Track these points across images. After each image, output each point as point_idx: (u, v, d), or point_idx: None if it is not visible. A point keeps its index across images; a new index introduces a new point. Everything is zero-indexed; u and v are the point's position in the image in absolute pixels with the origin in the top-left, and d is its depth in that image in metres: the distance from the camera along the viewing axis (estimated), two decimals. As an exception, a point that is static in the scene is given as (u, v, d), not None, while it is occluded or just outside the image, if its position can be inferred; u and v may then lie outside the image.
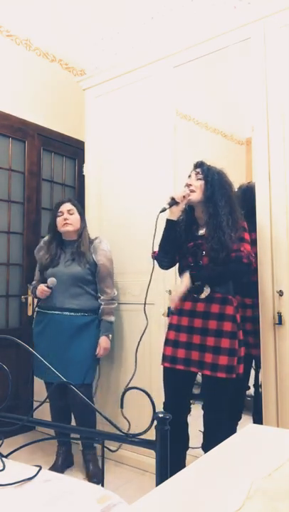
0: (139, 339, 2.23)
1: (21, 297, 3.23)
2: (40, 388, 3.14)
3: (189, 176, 2.08)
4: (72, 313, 2.47)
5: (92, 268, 2.53)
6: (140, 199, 2.70)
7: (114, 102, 2.90)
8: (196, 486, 0.90)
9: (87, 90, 3.04)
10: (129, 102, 2.82)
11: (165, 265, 2.14)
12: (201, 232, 2.06)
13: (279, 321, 2.05)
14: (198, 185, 2.01)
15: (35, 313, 2.62)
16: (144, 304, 2.19)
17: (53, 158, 3.54)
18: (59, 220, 2.55)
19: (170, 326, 2.07)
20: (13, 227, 3.21)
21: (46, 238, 2.65)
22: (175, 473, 0.98)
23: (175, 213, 2.03)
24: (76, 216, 2.57)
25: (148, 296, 2.61)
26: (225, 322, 1.92)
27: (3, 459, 1.43)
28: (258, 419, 2.26)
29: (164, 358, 2.03)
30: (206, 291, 1.95)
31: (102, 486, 1.50)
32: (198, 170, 2.04)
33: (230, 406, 2.03)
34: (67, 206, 2.57)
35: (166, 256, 2.10)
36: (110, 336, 2.56)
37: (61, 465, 2.49)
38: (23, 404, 3.06)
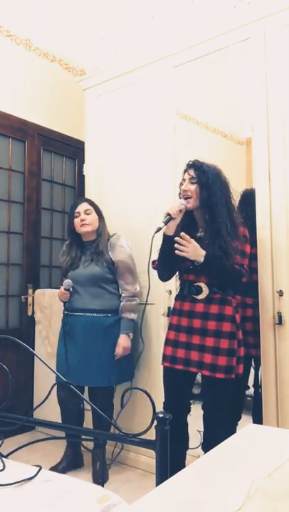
0: (138, 356, 2.27)
1: (21, 297, 3.24)
2: (40, 388, 3.15)
3: (184, 179, 2.04)
4: (95, 314, 2.42)
5: (111, 266, 2.47)
6: (140, 199, 2.70)
7: (114, 102, 2.90)
8: (196, 486, 0.90)
9: (87, 90, 3.04)
10: (129, 102, 2.82)
11: (165, 278, 2.12)
12: (201, 234, 2.03)
13: (279, 321, 2.05)
14: (193, 189, 1.98)
15: (62, 315, 2.55)
16: (140, 328, 2.21)
17: (53, 158, 3.54)
18: (76, 222, 2.49)
19: (170, 326, 2.06)
20: (13, 227, 3.21)
21: (67, 242, 2.61)
22: (175, 473, 0.98)
23: (172, 228, 1.99)
24: (94, 216, 2.50)
25: (148, 297, 2.62)
26: (224, 322, 1.91)
27: (3, 459, 1.43)
28: (257, 419, 2.26)
29: (164, 358, 2.03)
30: (205, 292, 1.95)
31: (102, 486, 1.49)
32: (191, 172, 1.99)
33: (230, 406, 2.03)
34: (84, 206, 2.51)
35: (165, 269, 2.09)
36: (131, 334, 2.45)
37: (63, 467, 2.44)
38: (23, 404, 3.07)
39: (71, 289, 2.41)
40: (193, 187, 1.98)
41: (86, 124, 3.06)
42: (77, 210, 2.50)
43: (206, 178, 1.95)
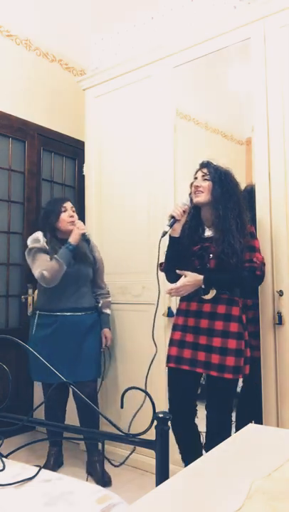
0: (150, 364, 2.29)
1: (21, 297, 3.23)
2: (40, 388, 3.14)
3: (195, 178, 2.05)
4: (83, 313, 2.50)
5: (94, 265, 2.59)
6: (140, 199, 2.70)
7: (114, 102, 2.90)
8: (196, 485, 0.90)
9: (87, 90, 3.04)
10: (129, 102, 2.82)
11: (172, 279, 2.10)
12: (208, 234, 2.04)
13: (279, 321, 2.05)
14: (206, 185, 1.99)
15: (34, 316, 2.51)
16: (152, 332, 2.22)
17: (53, 158, 3.54)
18: (63, 216, 2.45)
19: (175, 327, 2.05)
20: (13, 227, 3.21)
21: (44, 234, 2.45)
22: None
23: (177, 230, 2.03)
24: (76, 215, 2.54)
25: (147, 297, 2.62)
26: (231, 323, 1.91)
27: (3, 459, 1.43)
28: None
29: (169, 359, 2.01)
30: (213, 292, 1.95)
31: (102, 486, 1.49)
32: (204, 170, 2.01)
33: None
34: (70, 204, 2.53)
35: (172, 271, 2.07)
36: (110, 327, 2.66)
37: (53, 465, 2.48)
38: (23, 405, 3.07)
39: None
40: (206, 183, 2.00)
41: (86, 124, 3.06)
42: (64, 205, 2.48)
43: (219, 176, 1.98)
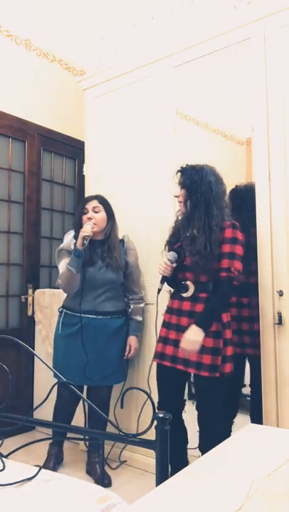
0: (151, 364, 2.25)
1: (21, 297, 3.23)
2: (40, 388, 3.15)
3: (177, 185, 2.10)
4: (108, 317, 2.42)
5: (124, 269, 2.48)
6: (140, 199, 2.70)
7: (114, 102, 2.90)
8: (196, 485, 0.90)
9: (87, 90, 3.04)
10: (129, 102, 2.81)
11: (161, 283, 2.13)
12: (192, 232, 2.07)
13: (279, 321, 2.05)
14: (182, 193, 2.05)
15: (60, 314, 2.50)
16: (156, 329, 2.19)
17: (53, 158, 3.54)
18: (83, 219, 2.41)
19: (163, 324, 2.12)
20: (13, 227, 3.21)
21: (74, 234, 2.45)
22: (178, 469, 0.98)
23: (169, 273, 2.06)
24: (102, 215, 2.42)
25: (148, 297, 2.63)
26: None
27: (3, 459, 1.43)
28: (256, 419, 2.26)
29: (155, 355, 2.09)
30: (191, 290, 2.00)
31: (102, 486, 1.49)
32: (180, 179, 2.06)
33: (224, 405, 2.05)
34: (93, 203, 2.43)
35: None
36: (139, 335, 2.54)
37: (54, 463, 2.48)
38: (23, 404, 3.07)
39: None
40: (182, 191, 2.06)
41: (86, 124, 3.06)
42: (85, 207, 2.43)
43: (191, 183, 2.01)
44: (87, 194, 3.02)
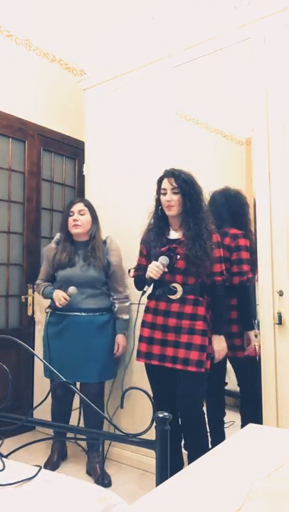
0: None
1: (21, 297, 3.23)
2: (40, 388, 3.14)
3: (164, 189, 2.09)
4: (91, 314, 2.48)
5: (106, 269, 2.55)
6: (140, 199, 2.70)
7: (114, 102, 2.90)
8: (196, 485, 0.90)
9: (87, 90, 3.04)
10: (129, 102, 2.81)
11: (141, 290, 2.15)
12: (174, 236, 2.12)
13: (279, 321, 2.05)
14: (176, 199, 2.07)
15: (47, 314, 2.57)
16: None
17: (53, 158, 3.54)
18: (69, 221, 2.52)
19: (144, 323, 2.14)
20: (13, 227, 3.21)
21: (58, 237, 2.61)
22: (175, 468, 0.98)
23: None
24: (87, 217, 2.53)
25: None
26: (197, 321, 2.02)
27: (3, 459, 1.43)
28: (246, 418, 2.27)
29: (139, 354, 2.13)
30: (179, 293, 2.05)
31: (102, 486, 1.49)
32: (173, 183, 2.07)
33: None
34: (78, 206, 2.54)
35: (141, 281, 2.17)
36: (126, 333, 2.58)
37: (57, 459, 2.55)
38: (24, 404, 3.07)
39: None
40: (176, 197, 2.07)
41: (86, 124, 3.06)
42: (71, 210, 2.54)
43: (188, 188, 2.05)
44: (87, 194, 3.02)
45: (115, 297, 2.58)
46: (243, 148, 3.15)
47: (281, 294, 2.07)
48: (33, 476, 1.31)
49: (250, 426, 1.31)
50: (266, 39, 2.19)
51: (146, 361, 2.10)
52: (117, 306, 2.57)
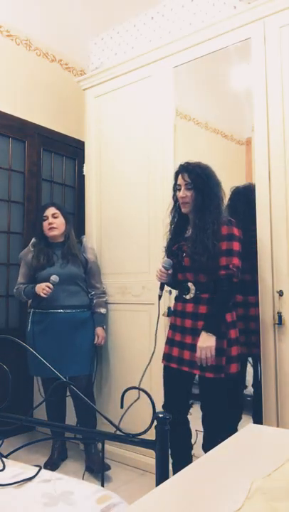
0: (148, 363, 2.24)
1: (21, 297, 3.24)
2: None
3: (178, 184, 2.03)
4: (73, 310, 2.57)
5: (84, 266, 2.67)
6: (140, 199, 2.70)
7: (114, 102, 2.90)
8: (196, 486, 0.90)
9: (87, 90, 3.04)
10: (129, 102, 2.81)
11: (162, 288, 2.14)
12: (188, 234, 2.07)
13: (279, 321, 2.05)
14: (190, 195, 2.00)
15: (29, 314, 2.64)
16: (156, 330, 2.19)
17: (53, 158, 3.54)
18: (44, 225, 2.62)
19: (170, 326, 2.11)
20: (13, 227, 3.21)
21: (33, 241, 2.70)
22: (182, 466, 0.98)
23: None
24: (61, 219, 2.63)
25: (147, 297, 2.62)
26: None
27: (3, 459, 1.43)
28: (258, 419, 2.26)
29: (163, 356, 2.09)
30: (192, 291, 1.98)
31: (102, 486, 1.49)
32: (186, 179, 1.99)
33: (229, 406, 2.03)
34: (51, 210, 2.63)
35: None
36: (104, 326, 2.70)
37: (57, 459, 2.59)
38: (23, 404, 3.07)
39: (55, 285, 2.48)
40: (189, 193, 1.99)
41: (86, 124, 3.06)
42: (45, 214, 2.63)
43: (202, 183, 1.96)
44: (87, 194, 3.02)
45: (93, 293, 2.68)
46: (243, 148, 3.15)
47: (281, 294, 2.07)
48: (33, 476, 1.31)
49: (250, 426, 1.31)
50: (266, 39, 2.19)
51: (167, 363, 2.05)
52: (94, 300, 2.67)
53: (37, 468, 1.35)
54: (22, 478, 1.29)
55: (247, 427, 1.28)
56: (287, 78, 2.12)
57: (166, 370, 2.07)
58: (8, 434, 1.81)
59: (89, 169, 3.03)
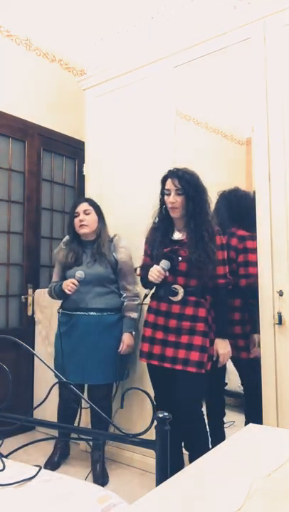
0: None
1: (21, 297, 3.23)
2: (40, 388, 3.15)
3: (167, 189, 2.06)
4: (99, 313, 2.44)
5: (114, 266, 2.50)
6: (140, 199, 2.70)
7: (114, 102, 2.90)
8: (195, 486, 0.90)
9: (87, 90, 3.04)
10: (129, 102, 2.81)
11: (149, 289, 2.13)
12: (177, 237, 2.10)
13: (279, 321, 2.05)
14: (180, 200, 2.05)
15: (58, 315, 2.53)
16: None
17: (53, 158, 3.54)
18: (76, 222, 2.51)
19: (146, 323, 2.14)
20: (13, 227, 3.21)
21: (66, 239, 2.61)
22: (175, 469, 0.98)
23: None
24: (93, 216, 2.52)
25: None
26: (198, 323, 2.01)
27: (3, 459, 1.43)
28: (251, 418, 2.27)
29: (141, 354, 2.13)
30: (181, 295, 2.04)
31: (102, 486, 1.49)
32: (176, 184, 2.04)
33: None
34: (83, 206, 2.52)
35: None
36: (133, 332, 2.50)
37: (57, 459, 2.55)
38: (24, 405, 3.07)
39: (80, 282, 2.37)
40: (180, 198, 2.05)
41: (86, 124, 3.06)
42: (76, 210, 2.52)
43: (191, 189, 2.03)
44: (87, 194, 3.02)
45: (124, 295, 2.52)
46: (243, 148, 3.15)
47: (281, 294, 2.07)
48: (33, 476, 1.31)
49: (250, 426, 1.31)
50: (266, 39, 2.19)
51: (148, 361, 2.11)
52: (125, 303, 2.50)
53: (37, 468, 1.35)
54: (22, 478, 1.29)
55: (247, 427, 1.29)
56: (287, 78, 2.12)
57: (150, 368, 2.15)
58: (8, 434, 1.81)
59: (89, 169, 3.03)
